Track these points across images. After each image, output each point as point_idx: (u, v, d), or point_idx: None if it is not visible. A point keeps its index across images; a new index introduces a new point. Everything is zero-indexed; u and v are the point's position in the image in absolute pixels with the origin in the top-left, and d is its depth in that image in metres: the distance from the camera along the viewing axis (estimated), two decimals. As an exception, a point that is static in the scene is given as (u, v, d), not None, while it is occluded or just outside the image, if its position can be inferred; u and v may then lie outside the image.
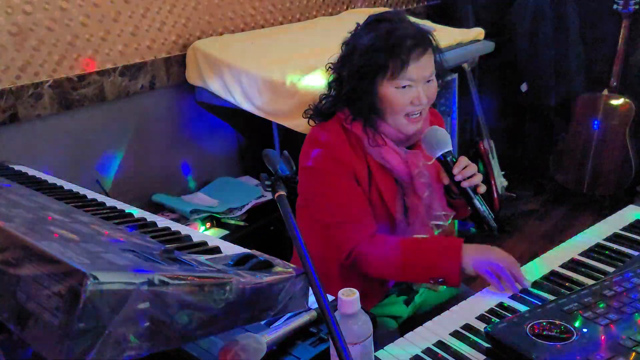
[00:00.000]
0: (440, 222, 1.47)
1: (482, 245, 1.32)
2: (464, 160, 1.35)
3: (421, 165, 1.42)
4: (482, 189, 1.35)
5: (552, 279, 1.25)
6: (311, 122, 1.50)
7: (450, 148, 1.36)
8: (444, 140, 1.35)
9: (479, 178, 1.34)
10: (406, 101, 1.35)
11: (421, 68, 1.34)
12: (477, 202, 1.33)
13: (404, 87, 1.34)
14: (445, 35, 2.66)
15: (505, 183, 3.24)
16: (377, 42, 1.33)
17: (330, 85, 1.46)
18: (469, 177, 1.32)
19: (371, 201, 1.42)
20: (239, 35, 2.54)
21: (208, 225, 2.28)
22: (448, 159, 1.34)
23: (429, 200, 1.44)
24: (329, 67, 1.47)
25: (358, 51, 1.36)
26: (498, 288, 1.23)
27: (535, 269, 1.30)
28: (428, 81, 1.37)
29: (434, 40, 1.39)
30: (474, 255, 1.28)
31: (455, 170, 1.33)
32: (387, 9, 3.13)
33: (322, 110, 1.46)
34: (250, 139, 2.73)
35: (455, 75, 2.88)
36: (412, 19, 1.46)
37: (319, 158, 1.40)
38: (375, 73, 1.34)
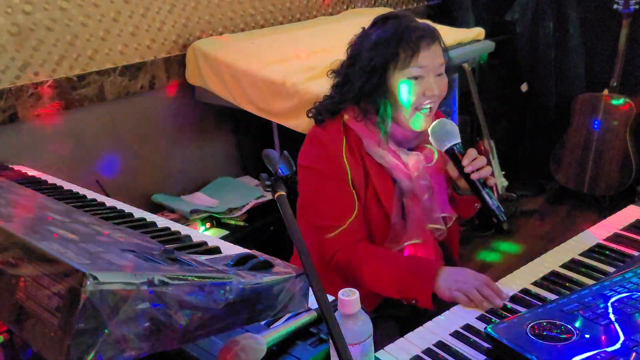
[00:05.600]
0: (439, 226, 1.45)
1: (456, 269, 1.28)
2: (472, 152, 1.32)
3: (421, 168, 1.42)
4: (492, 181, 1.32)
5: (552, 279, 1.25)
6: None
7: (459, 140, 1.33)
8: (452, 131, 1.33)
9: (488, 170, 1.31)
10: (418, 91, 1.34)
11: (431, 56, 1.34)
12: (487, 195, 1.29)
13: (416, 78, 1.33)
14: (445, 35, 2.65)
15: (505, 183, 3.24)
16: (387, 34, 1.34)
17: (334, 87, 1.45)
18: (478, 170, 1.30)
19: (367, 203, 1.41)
20: (239, 35, 2.54)
21: (208, 225, 2.28)
22: (457, 151, 1.32)
23: (428, 203, 1.43)
24: (331, 73, 1.46)
25: (367, 47, 1.36)
26: (470, 307, 1.18)
27: (535, 269, 1.30)
28: (439, 74, 1.37)
29: (441, 37, 1.40)
30: (446, 281, 1.24)
31: (465, 162, 1.30)
32: (387, 9, 3.14)
33: (327, 108, 1.44)
34: (250, 139, 2.73)
35: (456, 75, 2.88)
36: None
37: (315, 158, 1.40)
38: (386, 65, 1.33)
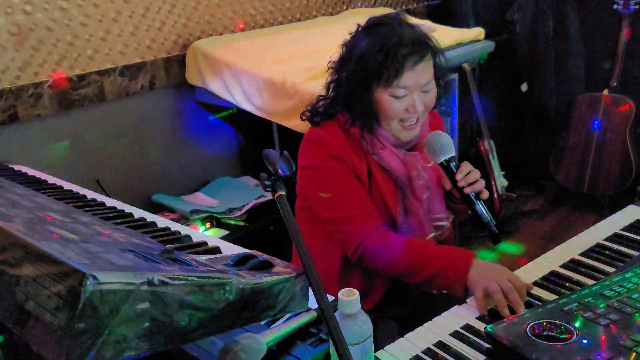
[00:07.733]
0: (441, 223, 1.45)
1: (492, 264, 1.25)
2: (467, 166, 1.33)
3: (420, 168, 1.41)
4: (485, 195, 1.32)
5: (552, 279, 1.25)
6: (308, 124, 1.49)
7: (453, 154, 1.34)
8: (447, 145, 1.33)
9: (482, 184, 1.32)
10: (401, 109, 1.34)
11: (416, 76, 1.32)
12: (480, 209, 1.30)
13: (398, 97, 1.33)
14: (445, 35, 2.66)
15: (505, 183, 3.24)
16: (373, 47, 1.32)
17: (329, 86, 1.46)
18: (471, 183, 1.31)
19: (372, 201, 1.42)
20: (239, 35, 2.54)
21: (208, 225, 2.28)
22: (451, 164, 1.32)
23: (428, 202, 1.43)
24: (330, 66, 1.46)
25: (355, 56, 1.35)
26: (478, 306, 1.16)
27: (535, 269, 1.30)
28: (425, 91, 1.36)
29: (433, 44, 1.37)
30: (479, 272, 1.22)
31: (458, 177, 1.30)
32: (387, 9, 3.14)
33: (320, 112, 1.45)
34: (250, 139, 2.73)
35: (455, 75, 2.88)
36: (413, 19, 1.46)
37: (319, 156, 1.39)
38: (370, 79, 1.33)
